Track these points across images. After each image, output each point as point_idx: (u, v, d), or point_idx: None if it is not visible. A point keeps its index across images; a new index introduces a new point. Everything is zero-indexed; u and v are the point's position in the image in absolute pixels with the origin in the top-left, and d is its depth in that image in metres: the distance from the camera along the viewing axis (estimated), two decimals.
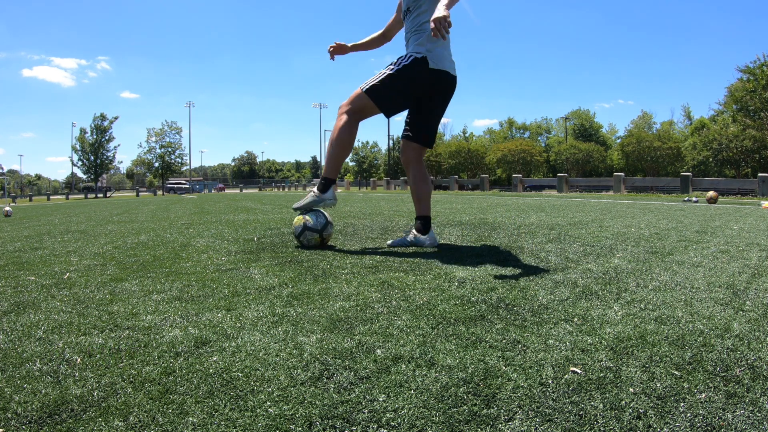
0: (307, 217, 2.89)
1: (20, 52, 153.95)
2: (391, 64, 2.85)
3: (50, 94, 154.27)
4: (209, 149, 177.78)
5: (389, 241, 3.06)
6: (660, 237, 3.31)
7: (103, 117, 51.07)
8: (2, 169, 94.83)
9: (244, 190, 50.35)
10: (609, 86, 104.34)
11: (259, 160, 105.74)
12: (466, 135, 59.31)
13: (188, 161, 58.55)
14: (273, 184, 62.88)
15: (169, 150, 55.53)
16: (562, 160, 45.23)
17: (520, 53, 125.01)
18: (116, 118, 52.02)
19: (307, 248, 2.86)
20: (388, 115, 2.94)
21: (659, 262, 2.36)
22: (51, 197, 51.58)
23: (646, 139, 40.29)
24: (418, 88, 2.85)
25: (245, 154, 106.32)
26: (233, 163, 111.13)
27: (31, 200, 42.64)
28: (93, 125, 51.09)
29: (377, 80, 2.82)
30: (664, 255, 2.57)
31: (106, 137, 51.53)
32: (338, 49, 3.38)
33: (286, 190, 45.25)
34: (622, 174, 17.39)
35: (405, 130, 3.04)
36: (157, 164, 55.72)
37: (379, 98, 2.83)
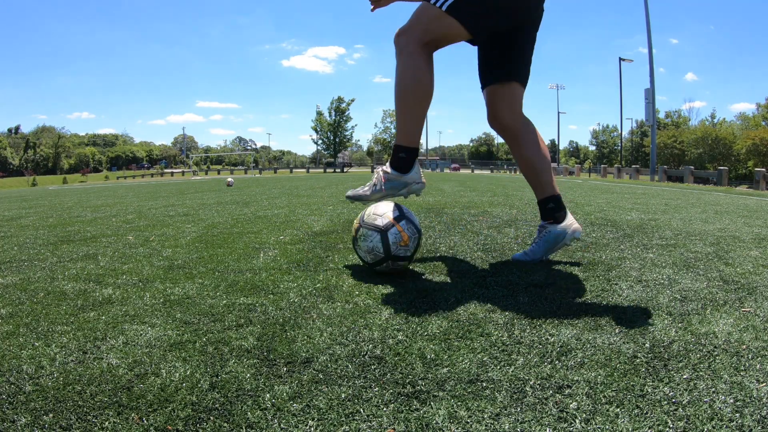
0: (392, 235, 1.84)
1: (282, 44, 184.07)
2: None
3: (309, 81, 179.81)
4: (453, 130, 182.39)
5: (517, 255, 2.17)
6: None
7: (340, 100, 58.28)
8: (255, 145, 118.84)
9: (476, 171, 50.30)
10: None
11: (497, 141, 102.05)
12: (715, 120, 50.39)
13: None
14: (506, 166, 60.40)
15: None
16: None
17: None
18: (353, 101, 58.71)
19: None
20: (478, 40, 2.05)
21: None
22: (294, 170, 60.68)
23: None
24: (518, 10, 1.96)
25: (483, 135, 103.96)
26: (471, 144, 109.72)
27: (275, 172, 50.93)
28: (332, 107, 58.53)
29: None
30: None
31: (344, 118, 58.48)
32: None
33: (517, 173, 40.15)
34: None
35: (496, 68, 2.11)
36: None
37: (470, 17, 1.86)
